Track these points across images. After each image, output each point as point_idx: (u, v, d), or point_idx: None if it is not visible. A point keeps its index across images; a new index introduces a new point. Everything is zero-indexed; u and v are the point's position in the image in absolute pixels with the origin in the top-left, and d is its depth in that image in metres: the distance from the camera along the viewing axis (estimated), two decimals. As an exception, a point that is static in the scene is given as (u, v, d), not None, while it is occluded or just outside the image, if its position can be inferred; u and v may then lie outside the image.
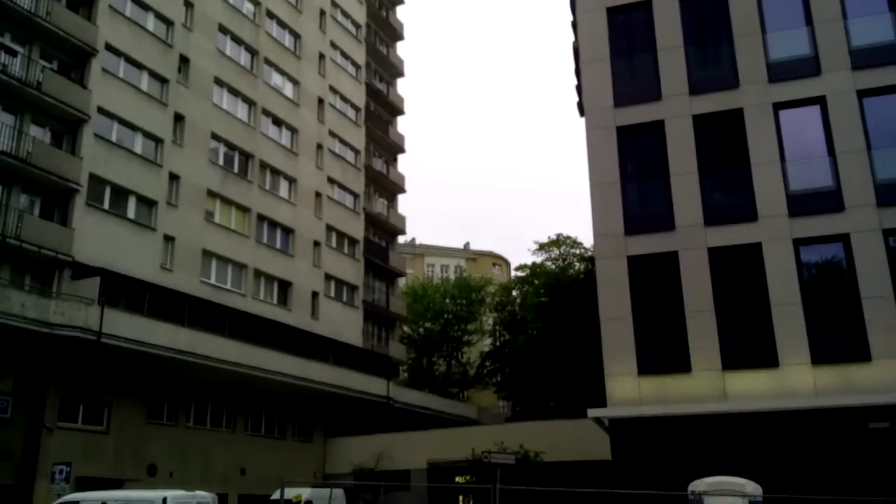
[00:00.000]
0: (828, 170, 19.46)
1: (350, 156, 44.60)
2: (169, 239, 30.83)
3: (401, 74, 53.23)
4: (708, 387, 18.59)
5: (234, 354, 30.89)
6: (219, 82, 34.98)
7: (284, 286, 37.31)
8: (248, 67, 37.14)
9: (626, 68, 22.20)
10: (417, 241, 78.02)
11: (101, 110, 28.62)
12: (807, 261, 19.21)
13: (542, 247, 49.26)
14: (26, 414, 25.06)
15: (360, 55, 47.22)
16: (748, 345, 19.07)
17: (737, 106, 20.52)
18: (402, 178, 50.67)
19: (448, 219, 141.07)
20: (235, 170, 35.43)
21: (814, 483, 15.97)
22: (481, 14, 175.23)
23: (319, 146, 41.42)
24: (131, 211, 29.52)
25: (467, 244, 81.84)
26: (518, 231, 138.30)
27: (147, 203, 30.22)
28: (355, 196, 44.31)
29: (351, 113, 45.39)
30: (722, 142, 20.94)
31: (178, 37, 32.80)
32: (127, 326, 26.48)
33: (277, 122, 38.67)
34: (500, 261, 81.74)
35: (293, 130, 39.63)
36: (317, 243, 39.86)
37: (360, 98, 46.35)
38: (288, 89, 39.91)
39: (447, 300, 58.01)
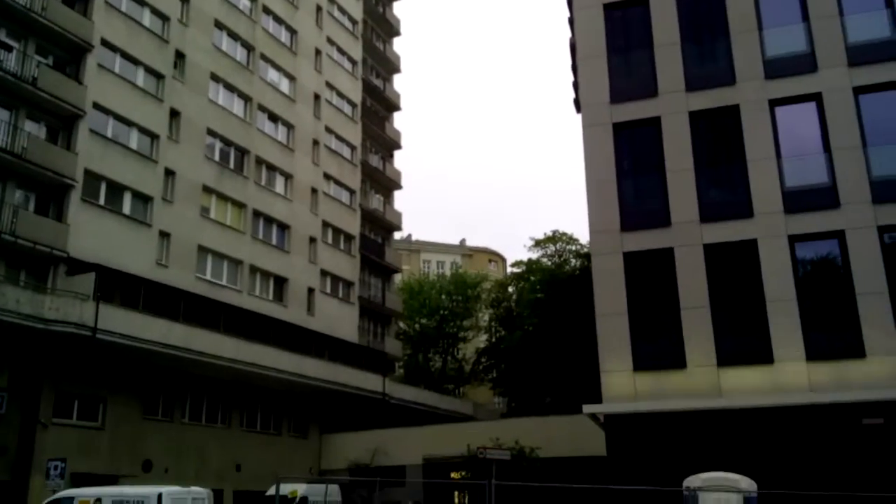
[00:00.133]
0: (823, 166, 19.46)
1: (346, 152, 44.55)
2: (164, 235, 30.78)
3: (397, 70, 53.16)
4: (703, 383, 18.61)
5: (230, 350, 30.88)
6: (215, 78, 34.89)
7: (280, 282, 37.28)
8: (244, 63, 37.05)
9: (623, 65, 22.18)
10: (413, 238, 78.05)
11: (96, 106, 28.54)
12: (802, 257, 19.24)
13: (538, 243, 49.24)
14: (21, 410, 25.02)
15: (356, 51, 47.13)
16: (743, 341, 19.09)
17: (733, 102, 20.52)
18: (398, 174, 50.63)
19: (444, 215, 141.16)
20: (231, 166, 35.36)
21: (808, 479, 16.01)
22: (478, 10, 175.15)
23: (315, 142, 41.37)
24: (127, 207, 29.46)
25: (463, 240, 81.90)
26: (514, 227, 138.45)
27: (142, 199, 30.16)
28: (351, 192, 44.27)
29: (347, 109, 45.33)
30: (718, 138, 20.94)
31: (173, 32, 32.70)
32: (122, 322, 26.46)
33: (273, 117, 38.59)
34: (496, 257, 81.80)
35: (289, 126, 39.56)
36: (313, 239, 39.82)
37: (356, 94, 46.29)
38: (284, 85, 39.83)
39: (443, 296, 58.01)
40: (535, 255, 49.62)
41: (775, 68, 20.43)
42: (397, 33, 53.74)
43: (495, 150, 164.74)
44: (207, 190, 33.51)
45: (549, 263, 48.45)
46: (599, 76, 21.95)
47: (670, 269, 19.77)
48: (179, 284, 30.59)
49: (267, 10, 39.16)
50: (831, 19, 20.25)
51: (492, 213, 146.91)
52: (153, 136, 31.05)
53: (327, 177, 41.98)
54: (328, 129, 42.72)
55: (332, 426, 39.00)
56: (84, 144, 27.76)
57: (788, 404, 17.59)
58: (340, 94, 44.69)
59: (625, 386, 19.24)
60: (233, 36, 36.59)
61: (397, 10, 54.35)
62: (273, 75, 39.16)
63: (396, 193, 50.94)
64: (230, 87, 35.90)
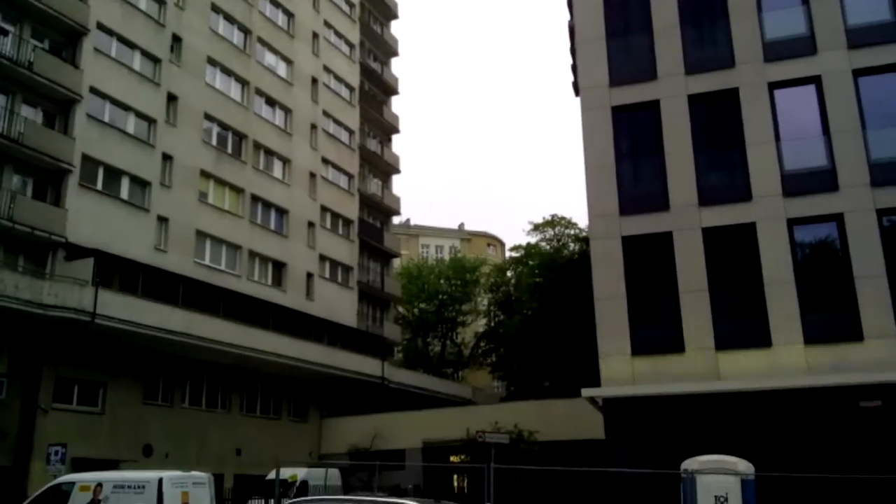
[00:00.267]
0: (822, 149, 19.44)
1: (344, 136, 44.41)
2: (163, 220, 30.73)
3: (395, 54, 52.89)
4: (701, 366, 18.68)
5: (229, 335, 30.93)
6: (212, 62, 34.72)
7: (279, 267, 37.28)
8: (241, 47, 36.85)
9: (622, 48, 22.09)
10: (412, 222, 78.00)
11: (93, 90, 28.40)
12: (801, 240, 19.25)
13: (536, 227, 49.20)
14: (21, 395, 25.09)
15: (353, 34, 46.87)
16: (741, 324, 19.14)
17: (732, 85, 20.45)
18: (396, 158, 50.50)
19: (443, 200, 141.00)
20: (229, 150, 35.26)
21: (806, 461, 16.10)
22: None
23: (313, 126, 41.22)
24: (125, 191, 29.40)
25: (462, 225, 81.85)
26: (513, 212, 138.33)
27: (140, 183, 30.09)
28: (350, 177, 44.17)
29: (345, 93, 45.13)
30: (717, 122, 20.89)
31: (170, 15, 32.49)
32: (121, 307, 26.47)
33: (271, 102, 38.43)
34: (494, 241, 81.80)
35: (287, 110, 39.41)
36: (311, 224, 39.77)
37: (354, 78, 46.08)
38: (281, 69, 39.63)
39: (442, 281, 58.02)
40: (533, 240, 49.63)
41: (775, 51, 20.35)
42: (395, 16, 53.43)
43: (494, 135, 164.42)
44: (205, 175, 33.42)
45: (548, 248, 48.45)
46: (598, 59, 21.87)
47: (669, 253, 19.78)
48: (178, 269, 30.58)
49: (263, -6, 38.92)
50: (831, 1, 20.16)
51: (490, 197, 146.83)
52: (150, 121, 30.92)
53: (325, 161, 41.86)
54: (326, 114, 42.55)
55: (332, 410, 39.14)
56: (81, 129, 27.65)
57: (786, 387, 17.65)
58: (338, 78, 44.48)
59: (623, 369, 19.30)
60: (229, 19, 36.36)
61: (395, -8, 54.00)
62: (270, 59, 38.95)
63: (395, 178, 50.86)
64: (227, 72, 35.72)
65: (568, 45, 25.52)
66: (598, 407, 20.03)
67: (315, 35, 42.56)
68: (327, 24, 44.00)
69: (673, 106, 20.76)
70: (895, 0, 19.86)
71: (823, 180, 19.09)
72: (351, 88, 45.71)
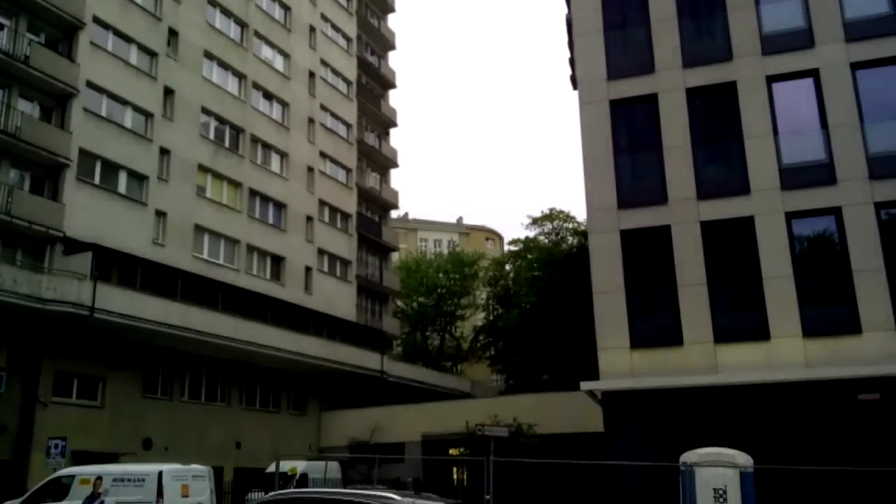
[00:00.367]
0: (820, 143, 19.45)
1: (342, 130, 44.34)
2: (160, 214, 30.70)
3: (392, 47, 52.77)
4: (699, 359, 18.72)
5: (228, 329, 30.95)
6: (208, 56, 34.63)
7: (277, 261, 37.27)
8: (237, 40, 36.76)
9: (620, 41, 22.07)
10: (410, 216, 77.94)
11: (89, 84, 28.33)
12: (799, 234, 19.28)
13: (535, 221, 49.19)
14: (20, 389, 25.11)
15: (351, 27, 46.75)
16: (740, 317, 19.19)
17: (730, 79, 20.45)
18: (394, 152, 50.45)
19: (441, 193, 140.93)
20: (226, 144, 35.20)
21: (804, 454, 16.15)
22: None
23: (311, 120, 41.15)
24: (122, 186, 29.36)
25: (460, 219, 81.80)
26: (511, 206, 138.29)
27: (138, 178, 30.05)
28: (347, 170, 44.12)
29: (342, 86, 45.05)
30: (715, 115, 20.89)
31: (166, 9, 32.39)
32: (120, 301, 26.47)
33: (268, 95, 38.36)
34: (493, 235, 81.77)
35: (284, 104, 39.34)
36: (309, 218, 39.75)
37: (351, 71, 45.98)
38: (278, 62, 39.55)
39: (440, 275, 58.04)
40: (532, 233, 49.65)
41: (772, 44, 20.34)
42: (392, 9, 53.29)
43: (492, 129, 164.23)
44: (203, 169, 33.38)
45: (547, 241, 48.46)
46: (596, 53, 21.85)
47: (667, 247, 19.80)
48: (176, 264, 30.57)
49: (261, -13, 38.80)
50: (829, -6, 20.12)
51: (489, 191, 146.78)
52: (147, 115, 30.86)
53: (323, 155, 41.82)
54: (323, 107, 42.48)
55: (332, 404, 39.21)
56: (78, 123, 27.59)
57: (784, 380, 17.70)
58: (335, 72, 44.39)
59: (622, 363, 19.35)
60: (226, 13, 36.25)
61: (392, -15, 53.84)
62: (267, 53, 38.86)
63: (393, 172, 50.82)
64: (224, 65, 35.63)
65: (566, 38, 25.47)
66: (596, 400, 20.08)
67: (312, 29, 42.46)
68: (324, 18, 43.89)
69: (671, 99, 20.75)
70: (893, -7, 19.84)
71: (821, 174, 19.11)
72: (348, 82, 45.62)
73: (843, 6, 20.03)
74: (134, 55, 30.74)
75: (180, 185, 31.81)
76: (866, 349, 17.55)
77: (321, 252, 40.34)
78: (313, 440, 37.52)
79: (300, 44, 41.16)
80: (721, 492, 14.63)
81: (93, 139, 28.09)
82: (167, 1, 32.45)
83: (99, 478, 17.65)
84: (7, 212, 24.56)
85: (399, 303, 53.64)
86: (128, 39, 30.49)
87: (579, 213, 48.22)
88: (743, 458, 14.81)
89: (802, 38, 20.13)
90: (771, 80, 20.17)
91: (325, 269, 40.74)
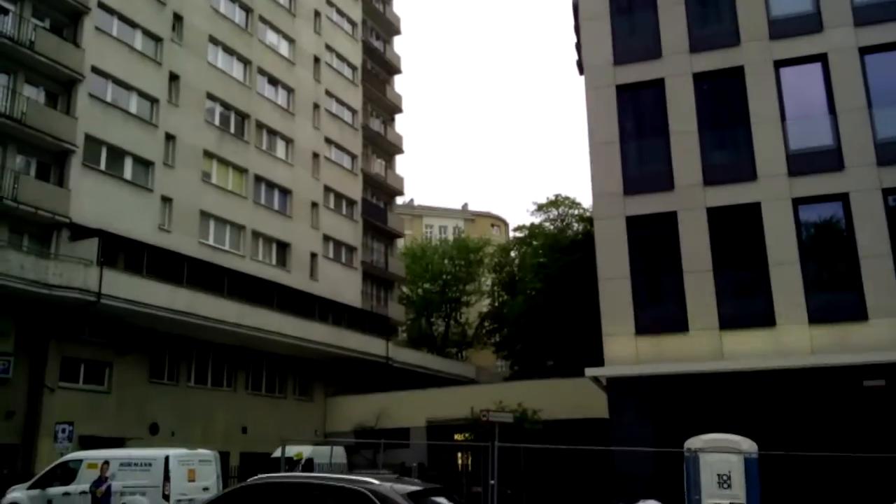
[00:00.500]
0: (828, 128, 19.32)
1: (347, 116, 44.24)
2: (166, 200, 30.74)
3: (397, 32, 52.53)
4: (705, 346, 18.70)
5: (234, 315, 31.05)
6: (213, 41, 34.54)
7: (283, 247, 37.32)
8: (242, 25, 36.64)
9: (626, 26, 21.93)
10: (416, 202, 77.84)
11: (95, 70, 28.31)
12: (806, 220, 19.20)
13: (540, 207, 49.11)
14: (28, 374, 25.27)
15: (356, 12, 46.54)
16: (745, 304, 19.15)
17: (737, 64, 20.29)
18: (399, 138, 50.33)
19: (446, 180, 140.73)
20: (232, 130, 35.17)
21: (809, 440, 16.16)
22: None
23: (316, 106, 41.06)
24: (128, 171, 29.38)
25: (465, 205, 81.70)
26: (517, 192, 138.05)
27: (143, 164, 30.07)
28: (353, 157, 44.06)
29: (347, 72, 44.90)
30: (722, 100, 20.77)
31: (171, -6, 32.30)
32: (126, 287, 26.56)
33: (273, 81, 38.27)
34: (498, 221, 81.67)
35: (289, 90, 39.25)
36: (315, 204, 39.75)
37: (356, 57, 45.82)
38: (283, 48, 39.42)
39: (446, 261, 58.05)
40: (537, 220, 49.59)
41: (780, 28, 20.17)
42: (397, -6, 53.00)
43: (498, 115, 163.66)
44: (208, 154, 33.38)
45: (552, 228, 48.39)
46: (602, 37, 21.70)
47: (673, 233, 19.73)
48: (182, 249, 30.63)
49: (265, -28, 38.60)
50: (838, -22, 19.92)
51: (494, 177, 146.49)
52: (153, 101, 30.84)
53: (328, 141, 41.75)
54: (328, 93, 42.37)
55: (337, 389, 39.35)
56: (83, 109, 27.59)
57: (790, 367, 17.67)
58: (340, 57, 44.23)
59: (627, 349, 19.34)
60: (231, -3, 36.14)
61: (398, -30, 53.49)
62: (272, 38, 38.73)
63: (398, 158, 50.71)
64: (229, 51, 35.54)
65: (572, 22, 25.29)
66: (601, 386, 20.09)
67: (317, 13, 42.27)
68: (329, 3, 43.68)
69: (678, 84, 20.62)
70: (903, -24, 19.63)
71: (829, 159, 18.99)
72: (353, 67, 45.47)
73: (852, -11, 19.82)
74: (139, 40, 30.68)
75: (186, 171, 31.83)
76: (872, 336, 17.50)
77: (326, 238, 40.37)
78: (319, 425, 37.69)
79: (305, 29, 41.01)
80: (725, 477, 14.67)
81: (98, 125, 28.09)
82: (172, -14, 32.35)
83: (106, 462, 17.77)
84: (13, 197, 24.61)
85: (404, 289, 53.70)
86: (133, 25, 30.42)
87: (585, 199, 48.17)
88: (747, 445, 14.84)
89: (811, 23, 19.95)
90: (779, 64, 20.02)
91: (331, 255, 40.79)
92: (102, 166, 28.33)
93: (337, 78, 43.48)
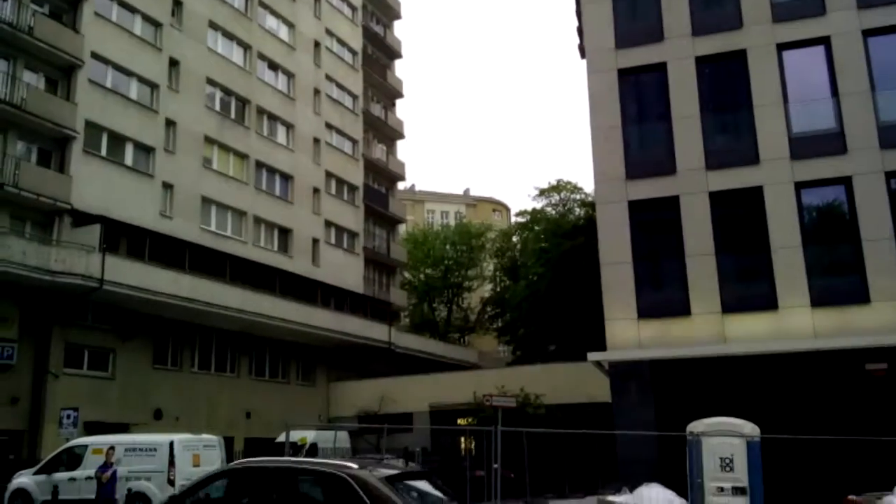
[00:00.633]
0: (831, 112, 19.22)
1: (348, 101, 44.10)
2: (167, 186, 30.73)
3: (398, 16, 52.29)
4: (707, 330, 18.71)
5: (236, 301, 31.11)
6: (213, 26, 34.39)
7: (285, 233, 37.33)
8: (242, 10, 36.47)
9: (628, 8, 21.77)
10: (417, 188, 77.73)
11: (94, 55, 28.21)
12: (808, 204, 19.14)
13: (542, 192, 49.03)
14: (32, 361, 25.36)
15: (356, -5, 46.31)
16: (748, 288, 19.15)
17: (740, 47, 20.17)
18: (400, 123, 50.21)
19: (448, 165, 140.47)
20: (232, 116, 35.09)
21: (811, 424, 16.18)
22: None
23: (317, 91, 40.93)
24: (129, 158, 29.35)
25: (467, 190, 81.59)
26: (518, 177, 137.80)
27: (144, 149, 30.03)
28: (354, 142, 43.96)
29: (348, 57, 44.71)
30: (725, 84, 20.66)
31: (170, -21, 32.12)
32: (128, 273, 26.61)
33: (273, 66, 38.13)
34: (500, 207, 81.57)
35: (289, 75, 39.12)
36: (316, 190, 39.73)
37: (356, 41, 45.61)
38: (283, 32, 39.25)
39: (447, 246, 58.08)
40: (539, 205, 49.52)
41: (783, 11, 20.02)
42: (397, -24, 52.68)
43: (499, 99, 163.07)
44: (209, 140, 33.32)
45: (554, 213, 48.34)
46: (604, 21, 21.57)
47: (675, 217, 19.69)
48: (184, 235, 30.65)
49: (265, -44, 38.37)
50: (842, -40, 19.76)
51: (496, 162, 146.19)
52: (153, 86, 30.76)
53: (329, 126, 41.65)
54: (329, 78, 42.22)
55: (340, 375, 39.49)
56: (84, 95, 27.52)
57: (792, 350, 17.67)
58: (341, 42, 44.03)
59: (629, 333, 19.36)
60: (231, -18, 35.94)
61: (398, -47, 53.15)
62: (272, 22, 38.56)
63: (399, 143, 50.65)
64: (229, 35, 35.40)
65: (574, 6, 25.15)
66: (604, 371, 20.13)
67: (317, -2, 42.06)
68: (329, -14, 43.45)
69: (680, 68, 20.50)
70: (907, -42, 19.46)
71: (832, 143, 18.91)
72: (354, 52, 45.27)
73: (856, -29, 19.66)
74: (138, 26, 30.55)
75: (187, 157, 31.79)
76: (875, 319, 17.50)
77: (328, 224, 40.38)
78: (322, 410, 37.86)
79: (305, 13, 40.81)
80: (728, 461, 14.73)
81: (99, 111, 28.03)
82: (171, -30, 32.17)
83: (111, 447, 17.86)
84: (15, 184, 24.60)
85: (406, 274, 53.76)
86: (132, 10, 30.29)
87: (587, 184, 47.96)
88: (749, 428, 14.87)
89: (814, 5, 19.80)
90: (781, 47, 19.88)
91: (333, 240, 40.81)
92: (103, 152, 28.29)
93: (337, 63, 43.30)
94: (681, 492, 15.10)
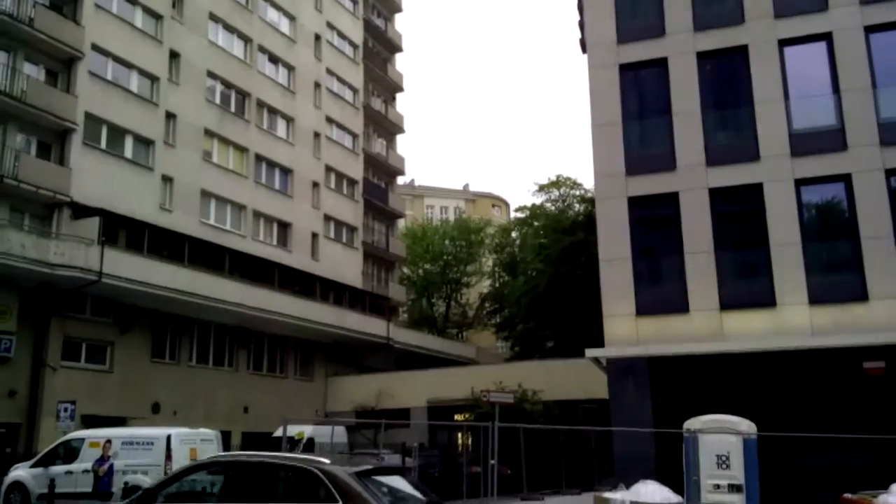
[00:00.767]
0: (832, 108, 19.16)
1: (348, 95, 44.02)
2: (167, 179, 30.68)
3: (399, 9, 52.16)
4: (705, 327, 18.69)
5: (235, 295, 31.09)
6: (214, 18, 34.31)
7: (284, 227, 37.30)
8: (242, 3, 36.37)
9: (630, 3, 21.70)
10: (417, 183, 77.63)
11: (95, 47, 28.14)
12: (808, 201, 19.11)
13: (541, 188, 49.01)
14: (30, 353, 25.34)
15: (357, -12, 46.18)
16: (747, 285, 19.12)
17: (741, 43, 20.09)
18: (401, 117, 50.12)
19: (448, 160, 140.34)
20: (232, 109, 35.03)
21: (809, 421, 16.19)
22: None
23: (317, 85, 40.85)
24: (129, 150, 29.30)
25: (467, 185, 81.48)
26: (518, 172, 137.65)
27: (144, 142, 29.97)
28: (354, 136, 43.90)
29: (349, 50, 44.61)
30: (725, 80, 20.61)
31: (171, -29, 32.01)
32: (128, 266, 26.58)
33: (274, 59, 38.04)
34: (499, 202, 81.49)
35: (290, 68, 39.03)
36: (316, 184, 39.67)
37: (357, 34, 45.50)
38: (284, 25, 39.15)
39: (446, 241, 58.03)
40: (538, 200, 49.52)
41: (784, 7, 19.94)
42: (399, -29, 52.52)
43: (499, 94, 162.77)
44: (209, 133, 33.27)
45: (553, 208, 48.32)
46: (605, 15, 21.51)
47: (675, 214, 19.65)
48: (183, 229, 30.60)
49: (266, -51, 38.25)
50: (843, -44, 19.68)
51: (496, 157, 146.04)
52: (153, 79, 30.69)
53: (329, 120, 41.58)
54: (329, 71, 42.13)
55: (338, 369, 39.48)
56: (84, 87, 27.46)
57: (790, 348, 17.66)
58: (341, 35, 43.93)
59: (627, 330, 19.34)
60: (231, -25, 35.83)
61: (399, -53, 52.97)
62: (272, 15, 38.46)
63: (399, 138, 50.57)
64: (229, 28, 35.31)
65: (575, 0, 25.08)
66: (601, 367, 20.12)
67: (318, -10, 41.94)
68: (330, -21, 43.32)
69: (681, 63, 20.44)
70: (910, -45, 19.38)
71: (832, 140, 18.85)
72: (354, 46, 45.16)
73: (858, -33, 19.58)
74: (139, 18, 30.48)
75: (187, 150, 31.74)
76: (873, 317, 17.47)
77: (327, 218, 40.34)
78: (320, 405, 37.86)
79: (306, 6, 40.70)
80: (724, 458, 14.72)
81: (99, 103, 27.98)
82: (171, -37, 32.07)
83: (108, 441, 17.88)
84: (14, 176, 24.56)
85: (405, 269, 53.73)
86: (133, 2, 30.24)
87: (586, 180, 47.96)
88: (746, 425, 14.86)
89: (816, 1, 19.72)
90: (783, 43, 19.81)
91: (332, 235, 40.78)
92: (103, 145, 28.25)
93: (338, 56, 43.22)
94: (677, 489, 15.10)
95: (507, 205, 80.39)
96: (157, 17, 31.21)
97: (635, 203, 20.11)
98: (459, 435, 34.00)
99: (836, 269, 18.68)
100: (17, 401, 24.91)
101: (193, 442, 18.95)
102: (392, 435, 31.76)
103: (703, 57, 20.38)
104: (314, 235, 39.15)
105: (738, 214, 19.56)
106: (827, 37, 19.47)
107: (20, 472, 19.41)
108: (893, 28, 19.05)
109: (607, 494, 15.62)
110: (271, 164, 36.91)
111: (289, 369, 37.03)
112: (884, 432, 14.99)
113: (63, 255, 24.75)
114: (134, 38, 29.95)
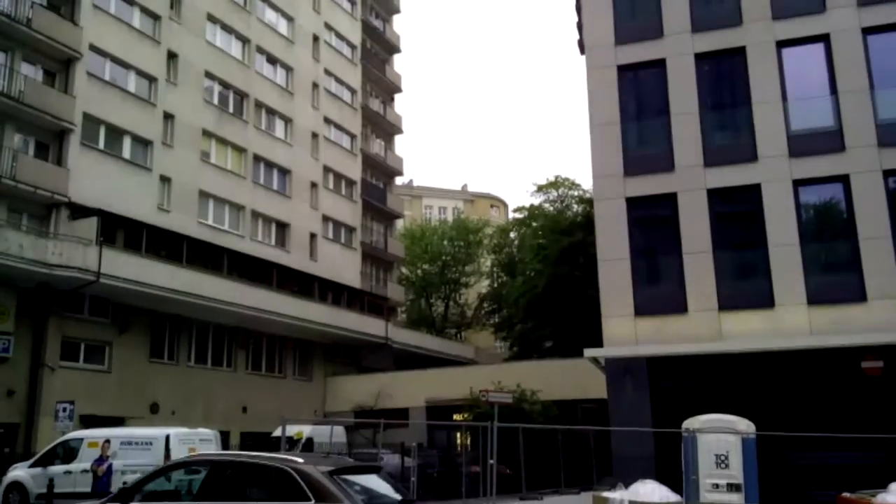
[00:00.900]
0: (829, 109, 19.20)
1: (346, 95, 44.04)
2: (165, 179, 30.68)
3: (397, 10, 52.18)
4: (704, 327, 18.71)
5: (233, 295, 31.08)
6: (212, 19, 34.31)
7: (282, 227, 37.30)
8: (241, 3, 36.38)
9: (628, 4, 21.73)
10: (415, 183, 77.63)
11: (93, 48, 28.14)
12: (806, 202, 19.14)
13: (540, 188, 49.00)
14: (28, 353, 25.32)
15: (355, -10, 46.19)
16: (745, 285, 19.15)
17: (739, 44, 20.13)
18: (399, 118, 50.13)
19: (446, 161, 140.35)
20: (230, 109, 35.03)
21: (807, 421, 16.23)
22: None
23: (315, 85, 40.86)
24: (126, 151, 29.30)
25: (465, 186, 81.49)
26: (516, 173, 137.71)
27: (142, 143, 29.97)
28: (352, 137, 43.91)
29: (347, 51, 44.62)
30: (724, 81, 20.66)
31: (169, -29, 32.01)
32: (126, 266, 26.57)
33: (272, 60, 38.05)
34: (498, 203, 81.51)
35: (288, 69, 39.04)
36: (314, 184, 39.68)
37: (355, 35, 45.51)
38: (282, 26, 39.16)
39: (445, 242, 58.05)
40: (537, 201, 49.51)
41: (783, 8, 19.98)
42: (397, -28, 52.54)
43: (497, 95, 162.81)
44: (207, 134, 33.26)
45: (552, 209, 48.34)
46: (604, 17, 21.54)
47: (673, 214, 19.68)
48: (181, 229, 30.59)
49: (264, -51, 38.25)
50: (841, -42, 19.73)
51: (494, 158, 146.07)
52: (151, 79, 30.68)
53: (327, 121, 41.60)
54: (327, 72, 42.14)
55: (337, 369, 39.48)
56: (82, 87, 27.46)
57: (788, 348, 17.70)
58: (339, 36, 43.93)
59: (626, 330, 19.36)
60: (229, -25, 35.83)
61: (397, -52, 53.00)
62: (271, 16, 38.46)
63: (398, 138, 50.56)
64: (227, 29, 35.31)
65: (573, 1, 25.11)
66: (600, 367, 20.15)
67: (316, -10, 41.95)
68: (328, -20, 43.33)
69: (679, 65, 20.48)
70: (907, -44, 19.43)
71: (830, 141, 18.89)
72: (353, 46, 45.18)
73: (855, -30, 19.63)
74: (137, 18, 30.48)
75: (185, 151, 31.73)
76: (871, 317, 17.50)
77: (326, 219, 40.35)
78: (318, 405, 37.86)
79: (304, 6, 40.71)
80: (723, 458, 14.76)
81: (97, 103, 27.97)
82: (169, -37, 32.07)
83: (107, 441, 17.87)
84: (12, 176, 24.55)
85: (403, 270, 53.74)
86: (131, 2, 30.25)
87: (585, 180, 48.01)
88: (745, 425, 14.90)
89: (814, 3, 19.76)
90: (781, 45, 19.85)
91: (330, 235, 40.78)
92: (101, 145, 28.24)
93: (336, 57, 43.22)
94: (676, 488, 15.13)
95: (505, 205, 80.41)
96: (155, 17, 31.21)
97: (634, 203, 20.15)
98: (458, 435, 34.00)
99: (835, 269, 18.71)
100: (15, 401, 24.89)
101: (192, 442, 18.94)
102: (391, 435, 31.75)
103: (701, 58, 20.42)
104: (312, 236, 39.16)
105: (737, 215, 19.59)
106: (825, 38, 19.51)
107: (19, 472, 19.40)
108: (891, 29, 19.10)
109: (606, 494, 15.63)
110: (269, 165, 36.92)
111: (287, 369, 37.03)
112: (882, 431, 15.02)
113: (61, 255, 24.75)
114: (132, 39, 29.95)
